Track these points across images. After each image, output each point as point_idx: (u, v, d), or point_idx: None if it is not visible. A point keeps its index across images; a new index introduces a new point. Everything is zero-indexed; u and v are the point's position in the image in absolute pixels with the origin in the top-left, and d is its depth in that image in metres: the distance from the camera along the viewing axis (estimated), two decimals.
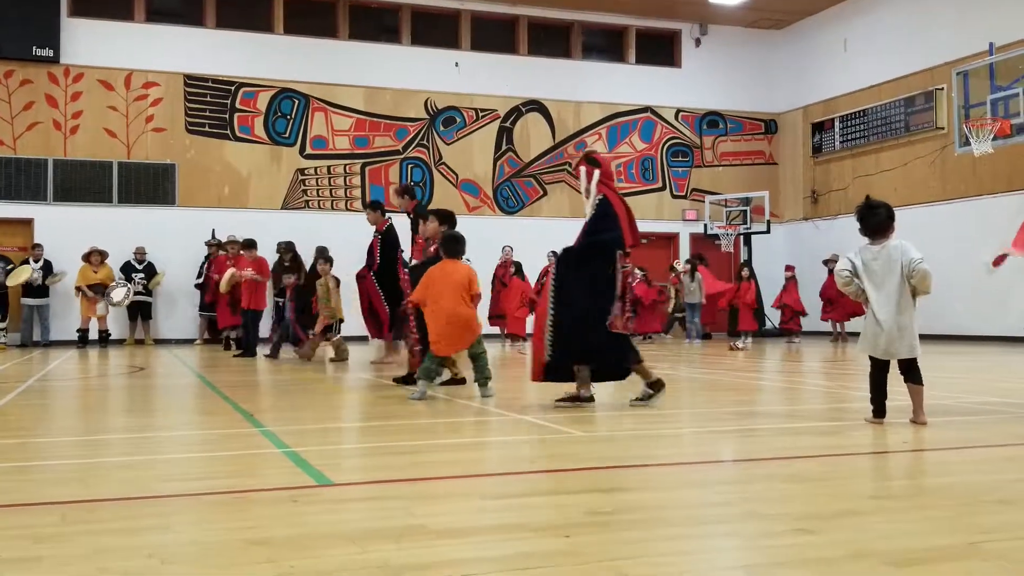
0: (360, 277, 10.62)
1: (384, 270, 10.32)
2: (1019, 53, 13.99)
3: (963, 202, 16.65)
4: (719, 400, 7.00)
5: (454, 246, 6.89)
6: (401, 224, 10.56)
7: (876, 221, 5.15)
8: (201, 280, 16.86)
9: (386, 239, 10.43)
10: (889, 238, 5.14)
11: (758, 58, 21.26)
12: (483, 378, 6.80)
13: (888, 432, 4.87)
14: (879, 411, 5.16)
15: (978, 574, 2.33)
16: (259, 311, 13.35)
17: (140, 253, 16.94)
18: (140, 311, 16.94)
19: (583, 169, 6.21)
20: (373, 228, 10.65)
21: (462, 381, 7.71)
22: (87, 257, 16.09)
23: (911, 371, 5.13)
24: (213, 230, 17.03)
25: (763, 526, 2.89)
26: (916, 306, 5.08)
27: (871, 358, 5.20)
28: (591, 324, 5.87)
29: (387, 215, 10.81)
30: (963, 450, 4.41)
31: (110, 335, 16.28)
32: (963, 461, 4.16)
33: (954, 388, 7.46)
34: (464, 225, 19.99)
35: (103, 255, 16.21)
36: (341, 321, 12.16)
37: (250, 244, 13.58)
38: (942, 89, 16.91)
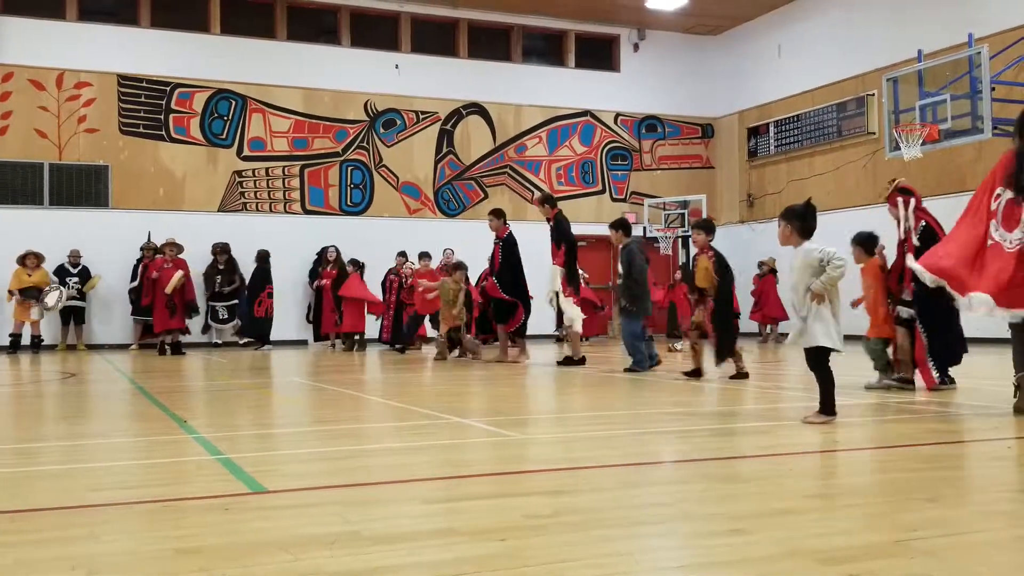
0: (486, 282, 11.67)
1: (513, 274, 11.35)
2: (947, 60, 14.35)
3: None
4: (657, 401, 7.06)
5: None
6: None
7: (816, 223, 5.36)
8: (136, 283, 16.51)
9: (508, 245, 11.49)
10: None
11: (695, 63, 21.53)
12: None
13: (821, 432, 4.95)
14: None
15: (904, 571, 2.37)
16: (423, 314, 14.29)
17: (75, 256, 16.53)
18: (73, 316, 16.54)
19: (900, 200, 7.04)
20: (494, 235, 11.79)
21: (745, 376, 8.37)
22: (22, 260, 15.62)
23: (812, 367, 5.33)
24: (149, 233, 16.70)
25: (699, 526, 2.92)
26: (815, 303, 5.22)
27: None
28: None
29: (507, 223, 11.86)
30: (892, 449, 4.51)
31: (42, 340, 15.85)
32: (892, 459, 4.24)
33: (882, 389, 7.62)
34: (404, 227, 19.91)
35: (39, 258, 15.75)
36: (464, 324, 12.93)
37: (425, 255, 14.75)
38: (873, 95, 17.30)
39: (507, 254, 11.45)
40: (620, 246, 9.83)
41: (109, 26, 17.68)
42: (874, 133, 17.33)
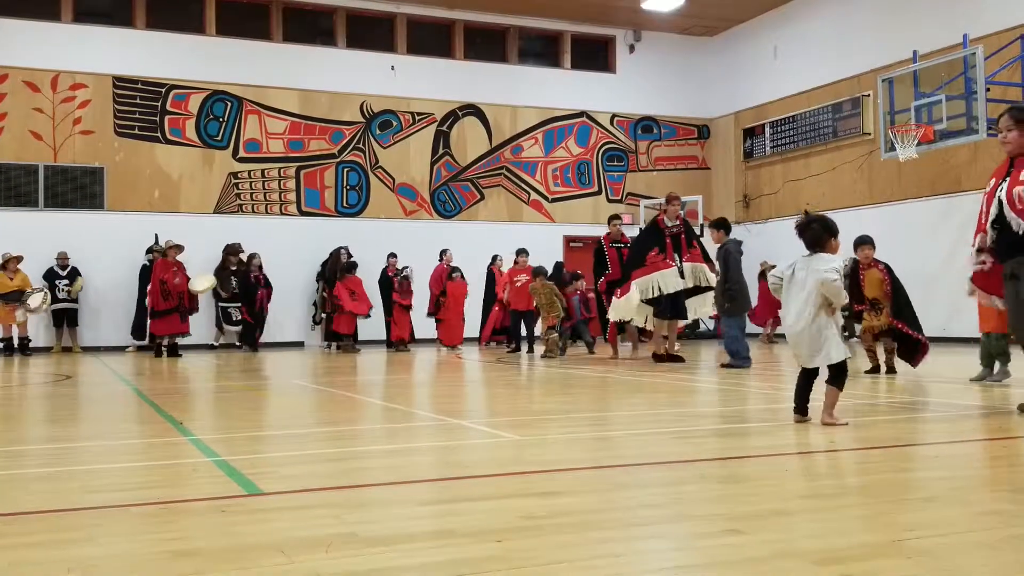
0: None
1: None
2: (942, 61, 14.37)
3: (889, 206, 17.06)
4: (654, 401, 7.06)
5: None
6: None
7: (811, 236, 5.23)
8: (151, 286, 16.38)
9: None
10: (828, 250, 5.20)
11: (691, 64, 21.55)
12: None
13: (817, 432, 4.95)
14: (797, 408, 5.30)
15: (900, 571, 2.37)
16: (528, 311, 14.68)
17: (63, 258, 16.48)
18: (66, 318, 16.50)
19: None
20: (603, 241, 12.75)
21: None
22: (3, 264, 15.52)
23: (831, 376, 5.23)
24: (156, 235, 16.66)
25: (694, 527, 2.92)
26: (830, 317, 5.10)
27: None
28: None
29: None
30: (888, 449, 4.51)
31: (31, 342, 15.77)
32: (888, 460, 4.25)
33: (878, 388, 7.63)
34: (401, 229, 19.95)
35: (18, 260, 15.65)
36: (563, 322, 13.96)
37: (522, 251, 15.15)
38: (868, 96, 17.32)
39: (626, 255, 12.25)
40: (718, 246, 10.22)
41: (104, 27, 17.66)
42: (869, 134, 17.36)
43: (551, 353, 13.08)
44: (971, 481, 3.69)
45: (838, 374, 5.20)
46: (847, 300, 5.22)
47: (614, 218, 12.99)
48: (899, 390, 7.45)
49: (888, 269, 8.92)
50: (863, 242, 9.09)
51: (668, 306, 11.16)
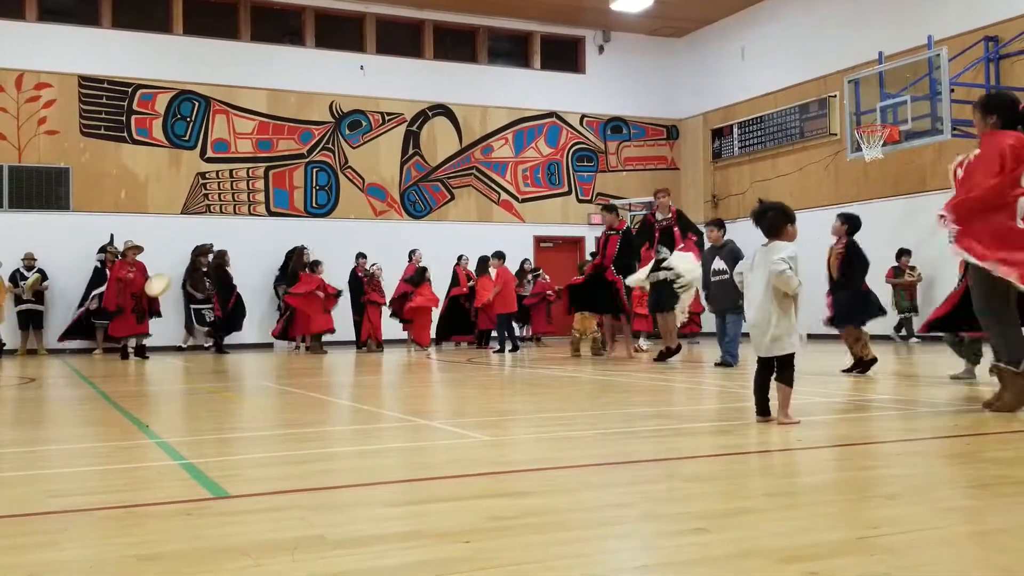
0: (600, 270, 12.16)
1: (625, 264, 11.83)
2: (907, 62, 14.54)
3: (855, 205, 17.18)
4: (621, 402, 7.09)
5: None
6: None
7: (767, 224, 5.28)
8: (103, 288, 16.16)
9: (627, 235, 12.13)
10: (785, 237, 5.21)
11: (660, 65, 21.65)
12: None
13: (783, 431, 4.99)
14: (759, 410, 5.27)
15: (864, 568, 2.40)
16: (511, 313, 15.13)
17: (29, 259, 16.28)
18: (32, 320, 16.29)
19: None
20: (605, 227, 12.46)
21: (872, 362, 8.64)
22: None
23: (779, 370, 5.18)
24: (112, 235, 16.48)
25: (660, 526, 2.94)
26: (786, 306, 5.10)
27: (757, 357, 5.34)
28: None
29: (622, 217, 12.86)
30: (853, 447, 4.56)
31: (4, 344, 15.59)
32: (853, 457, 4.29)
33: (843, 386, 7.71)
34: (370, 229, 19.85)
35: None
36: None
37: (499, 255, 15.37)
38: (835, 96, 17.48)
39: (625, 243, 12.02)
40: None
41: (69, 26, 17.46)
42: (836, 134, 17.52)
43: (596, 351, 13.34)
44: (933, 478, 3.74)
45: (784, 368, 5.16)
46: (800, 287, 5.12)
47: (606, 208, 12.72)
48: (863, 388, 7.53)
49: (848, 246, 8.82)
50: (839, 216, 9.08)
51: (652, 299, 11.38)
